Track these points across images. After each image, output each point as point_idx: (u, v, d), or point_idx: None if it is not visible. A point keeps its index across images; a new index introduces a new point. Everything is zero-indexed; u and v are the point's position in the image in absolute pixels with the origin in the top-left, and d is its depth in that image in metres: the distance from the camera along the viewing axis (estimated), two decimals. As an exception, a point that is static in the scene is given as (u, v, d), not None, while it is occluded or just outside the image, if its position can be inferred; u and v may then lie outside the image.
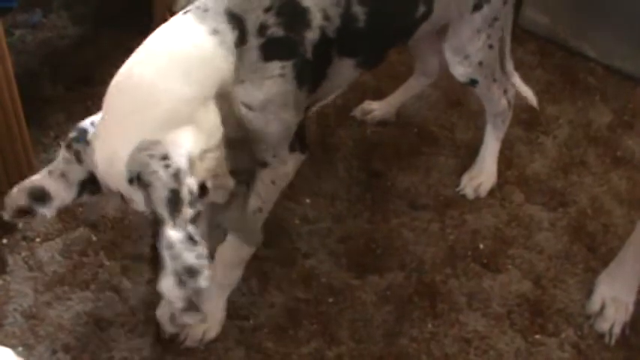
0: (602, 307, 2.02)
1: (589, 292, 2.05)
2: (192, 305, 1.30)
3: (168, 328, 1.75)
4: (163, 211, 1.28)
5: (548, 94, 2.54)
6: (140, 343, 1.83)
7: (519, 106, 2.44)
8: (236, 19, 1.47)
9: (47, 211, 1.48)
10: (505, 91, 2.16)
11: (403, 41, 1.90)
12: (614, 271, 2.03)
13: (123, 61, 2.35)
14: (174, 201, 1.28)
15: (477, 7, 1.90)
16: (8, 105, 1.84)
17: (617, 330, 2.00)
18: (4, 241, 1.97)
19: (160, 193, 1.28)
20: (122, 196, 1.38)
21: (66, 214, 2.04)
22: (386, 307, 1.97)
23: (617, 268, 2.02)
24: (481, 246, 2.13)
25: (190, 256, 1.27)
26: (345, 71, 1.71)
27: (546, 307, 2.03)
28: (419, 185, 2.23)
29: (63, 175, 1.45)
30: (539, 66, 2.62)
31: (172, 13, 2.48)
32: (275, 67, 1.52)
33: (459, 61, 2.00)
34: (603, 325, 2.00)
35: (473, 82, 2.06)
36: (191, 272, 1.27)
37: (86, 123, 1.43)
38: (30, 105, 1.97)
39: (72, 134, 1.43)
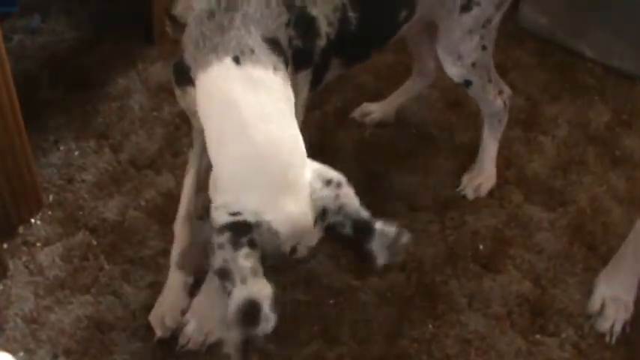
0: (602, 307, 2.02)
1: (589, 292, 2.05)
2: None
3: (159, 332, 1.77)
4: (363, 214, 1.46)
5: (547, 93, 2.54)
6: (141, 346, 1.83)
7: (518, 107, 2.45)
8: (275, 44, 1.47)
9: (267, 325, 1.35)
10: (500, 92, 2.16)
11: (387, 41, 1.91)
12: (613, 270, 2.04)
13: (122, 66, 2.39)
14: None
15: (465, 9, 1.90)
16: (7, 109, 1.84)
17: (617, 329, 2.00)
18: (5, 245, 1.98)
19: (355, 206, 1.45)
20: (292, 250, 1.41)
21: (66, 218, 2.04)
22: (386, 308, 1.97)
23: (617, 267, 2.03)
24: (481, 247, 2.13)
25: (392, 229, 1.49)
26: (335, 69, 1.74)
27: (546, 307, 2.04)
28: (418, 186, 2.24)
29: (255, 272, 1.35)
30: (538, 66, 2.62)
31: (171, 17, 2.51)
32: (301, 76, 1.57)
33: (452, 61, 2.00)
34: (604, 325, 2.01)
35: (467, 83, 2.06)
36: (399, 235, 1.50)
37: (221, 217, 1.35)
38: (29, 109, 1.97)
39: (224, 237, 1.34)
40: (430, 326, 1.96)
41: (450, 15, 1.91)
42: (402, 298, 2.00)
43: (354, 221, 1.43)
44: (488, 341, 1.96)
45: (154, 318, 1.85)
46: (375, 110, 2.37)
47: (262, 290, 1.34)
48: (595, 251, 2.16)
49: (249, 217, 1.34)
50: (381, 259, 1.45)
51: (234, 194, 1.36)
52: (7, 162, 1.91)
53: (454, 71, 2.02)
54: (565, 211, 2.24)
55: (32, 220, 2.03)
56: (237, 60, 1.41)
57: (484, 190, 2.24)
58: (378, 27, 1.79)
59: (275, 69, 1.43)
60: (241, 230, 1.34)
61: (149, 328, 1.85)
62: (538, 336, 1.99)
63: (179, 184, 2.13)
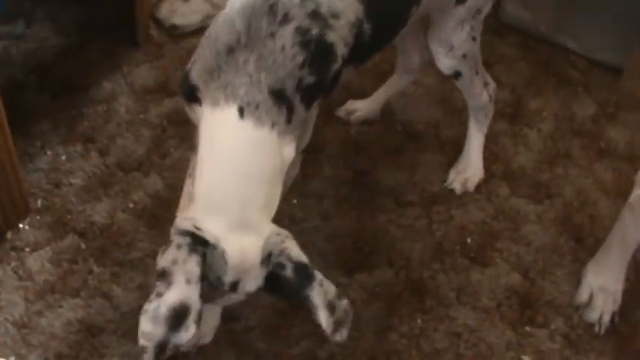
0: (591, 297, 2.03)
1: (577, 283, 2.07)
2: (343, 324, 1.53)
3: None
4: (304, 259, 1.50)
5: (532, 87, 2.55)
6: (132, 348, 1.83)
7: (503, 100, 2.46)
8: (280, 95, 1.52)
9: (185, 335, 1.41)
10: (486, 84, 2.17)
11: (393, 39, 1.92)
12: (600, 261, 2.05)
13: (107, 69, 2.39)
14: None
15: (460, 1, 1.92)
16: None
17: (606, 319, 2.01)
18: (-6, 251, 1.98)
19: (298, 252, 1.51)
20: (232, 286, 1.49)
21: (54, 222, 2.05)
22: (375, 304, 1.98)
23: (603, 257, 2.04)
24: (468, 240, 2.14)
25: (332, 286, 1.52)
26: (345, 74, 1.75)
27: (535, 298, 2.05)
28: (405, 182, 2.25)
29: (198, 280, 1.42)
30: (522, 60, 2.63)
31: (155, 20, 2.52)
32: (314, 107, 1.63)
33: (445, 52, 2.02)
34: (592, 315, 2.02)
35: (457, 75, 2.07)
36: (339, 296, 1.53)
37: (188, 226, 1.45)
38: (15, 115, 1.97)
39: (185, 239, 1.43)
40: (419, 321, 1.97)
41: (447, 7, 1.93)
42: (390, 294, 2.01)
43: (295, 264, 1.49)
44: (478, 334, 1.97)
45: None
46: (360, 108, 2.37)
47: (196, 301, 1.41)
48: (582, 243, 2.17)
49: (209, 238, 1.45)
50: (322, 320, 1.48)
51: (204, 213, 1.48)
52: (-8, 168, 1.91)
53: (446, 62, 2.04)
54: (552, 203, 2.26)
55: (20, 226, 2.03)
56: (241, 112, 1.50)
57: (472, 184, 2.26)
58: (392, 28, 1.81)
59: (273, 125, 1.51)
60: (200, 242, 1.44)
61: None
62: (527, 328, 2.00)
63: (167, 186, 2.15)
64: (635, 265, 2.08)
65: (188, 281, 1.41)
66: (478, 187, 2.26)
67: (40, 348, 1.83)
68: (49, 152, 2.19)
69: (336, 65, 1.60)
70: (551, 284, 2.08)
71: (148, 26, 2.47)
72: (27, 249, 2.00)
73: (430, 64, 2.15)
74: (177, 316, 1.40)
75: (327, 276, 1.97)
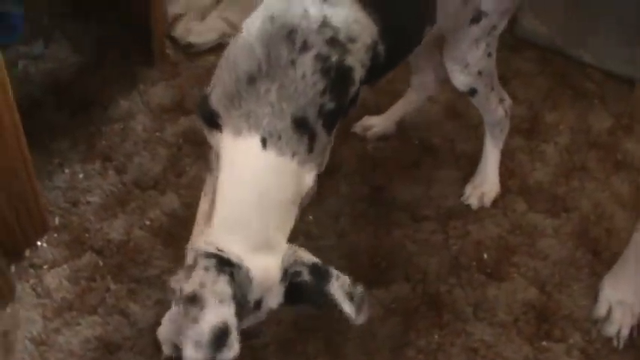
0: (609, 311, 2.02)
1: (595, 297, 2.06)
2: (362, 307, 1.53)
3: (167, 350, 1.78)
4: (317, 260, 1.55)
5: (548, 101, 2.55)
6: (149, 365, 1.85)
7: (519, 116, 2.46)
8: (302, 124, 1.53)
9: (230, 354, 1.42)
10: (502, 100, 2.17)
11: (410, 55, 1.93)
12: (617, 274, 2.04)
13: (124, 88, 2.42)
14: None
15: (475, 20, 1.92)
16: (11, 135, 1.86)
17: (624, 333, 2.00)
18: (12, 269, 1.99)
19: (308, 256, 1.55)
20: (256, 304, 1.51)
21: (72, 240, 2.06)
22: (392, 320, 1.98)
23: (621, 270, 2.03)
24: (485, 256, 2.14)
25: (346, 277, 1.54)
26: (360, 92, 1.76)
27: (552, 313, 2.04)
28: (421, 197, 2.25)
29: (231, 299, 1.44)
30: (538, 74, 2.63)
31: (171, 39, 2.55)
32: (334, 131, 1.63)
33: (460, 70, 2.02)
34: (610, 329, 2.01)
35: (472, 92, 2.07)
36: (355, 285, 1.54)
37: (210, 248, 1.47)
38: (34, 133, 1.99)
39: (210, 262, 1.45)
40: (436, 336, 1.97)
41: (461, 27, 1.93)
42: (407, 309, 2.01)
43: (310, 266, 1.52)
44: (495, 349, 1.96)
45: (161, 336, 1.86)
46: (376, 124, 2.38)
47: (233, 319, 1.43)
48: (599, 256, 2.16)
49: (233, 258, 1.47)
50: (347, 309, 1.50)
51: (225, 235, 1.50)
52: (11, 187, 1.93)
53: (461, 79, 2.04)
54: (569, 217, 2.25)
55: (38, 243, 2.05)
56: (264, 142, 1.51)
57: (488, 199, 2.25)
58: (406, 48, 1.82)
59: (294, 155, 1.53)
60: (226, 263, 1.46)
61: (157, 346, 1.86)
62: (545, 342, 1.99)
63: (183, 204, 2.16)
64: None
65: (222, 301, 1.42)
66: (494, 203, 2.26)
67: (58, 365, 1.85)
68: (67, 170, 2.21)
69: (354, 88, 1.60)
70: (569, 298, 2.08)
71: (163, 45, 2.49)
72: (45, 266, 2.02)
73: (445, 80, 2.15)
74: (220, 338, 1.41)
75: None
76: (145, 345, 1.88)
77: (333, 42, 1.54)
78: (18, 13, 2.38)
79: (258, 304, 1.50)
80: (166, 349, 1.85)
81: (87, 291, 1.98)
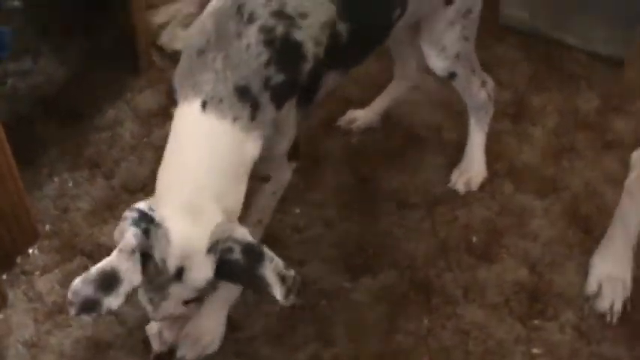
0: (600, 287, 2.01)
1: (587, 274, 2.04)
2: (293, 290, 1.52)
3: (155, 345, 1.80)
4: (250, 239, 1.52)
5: (534, 85, 2.55)
6: (140, 361, 1.87)
7: (505, 101, 2.46)
8: (245, 92, 1.56)
9: (114, 302, 1.47)
10: (484, 83, 2.18)
11: (381, 43, 1.94)
12: (605, 249, 2.04)
13: (111, 96, 2.45)
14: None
15: (448, 2, 1.94)
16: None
17: (617, 307, 1.99)
18: (4, 276, 2.02)
19: (244, 233, 1.52)
20: (177, 273, 1.52)
21: (63, 246, 2.09)
22: (380, 306, 1.99)
23: (608, 246, 2.03)
24: (474, 239, 2.14)
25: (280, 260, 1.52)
26: (331, 80, 1.79)
27: (544, 292, 2.04)
28: (407, 185, 2.26)
29: (134, 252, 1.48)
30: (523, 59, 2.63)
31: (157, 47, 2.58)
32: (285, 108, 1.64)
33: (436, 54, 2.03)
34: (603, 304, 2.00)
35: (452, 76, 2.09)
36: (287, 267, 1.52)
37: (143, 205, 1.52)
38: (24, 146, 2.04)
39: (133, 214, 1.50)
40: (426, 320, 1.97)
41: (435, 9, 1.94)
42: (395, 295, 2.01)
43: (243, 245, 1.50)
44: (486, 331, 1.96)
45: (151, 333, 1.88)
46: (360, 116, 2.39)
47: (131, 272, 1.46)
48: (591, 234, 2.15)
49: (157, 217, 1.50)
50: (277, 292, 1.49)
51: (160, 196, 1.54)
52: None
53: (439, 64, 2.05)
54: (558, 197, 2.25)
55: (30, 251, 2.08)
56: (204, 105, 1.55)
57: (475, 183, 2.26)
58: (373, 31, 1.83)
59: (235, 120, 1.56)
60: (146, 219, 1.49)
61: (146, 344, 1.87)
62: (537, 321, 1.98)
63: (170, 204, 2.18)
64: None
65: (121, 250, 1.47)
66: (482, 186, 2.26)
67: (50, 366, 1.87)
68: (56, 179, 2.24)
69: (308, 65, 1.62)
70: (560, 277, 2.07)
71: (149, 54, 2.53)
72: (36, 272, 2.04)
73: (428, 69, 2.16)
74: (104, 281, 1.46)
75: (331, 282, 2.02)
76: (135, 343, 1.90)
77: (279, 14, 1.58)
78: (6, 30, 2.42)
79: (180, 272, 1.50)
80: (155, 345, 1.88)
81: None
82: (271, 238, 2.04)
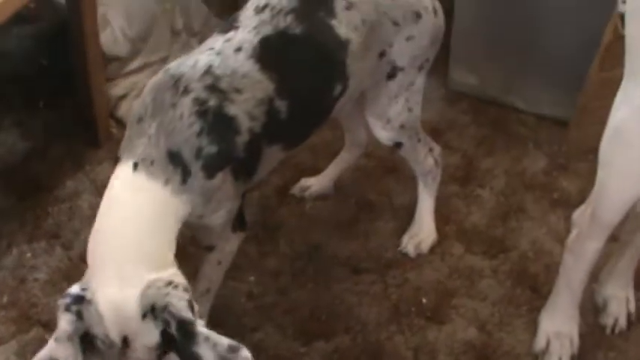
0: (548, 343, 2.06)
1: (535, 332, 2.09)
2: None
3: None
4: (185, 314, 1.48)
5: (482, 148, 2.63)
6: None
7: (454, 165, 2.54)
8: (176, 157, 1.61)
9: None
10: (431, 150, 2.25)
11: (325, 119, 2.00)
12: (552, 307, 2.08)
13: (71, 169, 2.50)
14: (192, 308, 1.50)
15: (390, 76, 2.00)
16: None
17: (565, 364, 2.04)
18: (-41, 352, 2.05)
19: (181, 306, 1.49)
20: (124, 341, 1.52)
21: (20, 317, 2.12)
22: (332, 371, 2.03)
23: (554, 302, 2.08)
24: (424, 300, 2.19)
25: (224, 339, 1.48)
26: (274, 155, 1.84)
27: (493, 350, 2.08)
28: (360, 251, 2.31)
29: (70, 338, 1.50)
30: (472, 123, 2.72)
31: (116, 119, 2.64)
32: (218, 178, 1.68)
33: (382, 125, 2.09)
34: (551, 361, 2.05)
35: (398, 145, 2.15)
36: (233, 348, 1.47)
37: (75, 289, 1.54)
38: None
39: (65, 300, 1.52)
40: (376, 384, 2.02)
41: (377, 84, 2.00)
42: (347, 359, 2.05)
43: (177, 321, 1.48)
44: (436, 392, 2.01)
45: None
46: (313, 184, 2.46)
47: (71, 357, 1.49)
48: (539, 292, 2.20)
49: (88, 294, 1.51)
50: None
51: (91, 268, 1.56)
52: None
53: (384, 134, 2.11)
54: (507, 257, 2.31)
55: (-15, 325, 2.11)
56: (135, 166, 1.60)
57: (425, 246, 2.31)
58: (313, 108, 1.88)
59: (167, 182, 1.60)
60: (77, 301, 1.51)
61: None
62: (486, 381, 2.03)
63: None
64: (592, 306, 2.14)
65: (57, 339, 1.50)
66: (432, 249, 2.31)
67: None
68: (14, 250, 2.28)
69: (242, 138, 1.68)
70: (509, 335, 2.12)
71: (108, 125, 2.59)
72: (-7, 344, 2.08)
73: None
74: None
75: (285, 347, 2.06)
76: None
77: (212, 88, 1.66)
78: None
79: (125, 341, 1.51)
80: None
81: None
82: (225, 306, 2.10)
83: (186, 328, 1.47)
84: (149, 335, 1.51)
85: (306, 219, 2.40)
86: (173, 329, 1.48)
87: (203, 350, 1.46)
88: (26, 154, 2.55)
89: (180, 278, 1.54)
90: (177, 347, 1.49)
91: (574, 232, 2.01)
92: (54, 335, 1.51)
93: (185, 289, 1.52)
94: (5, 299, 2.17)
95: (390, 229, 2.38)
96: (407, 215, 2.38)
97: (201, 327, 1.48)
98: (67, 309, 1.51)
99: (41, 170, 2.50)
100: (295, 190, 2.47)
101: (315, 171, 2.49)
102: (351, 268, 2.27)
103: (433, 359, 2.06)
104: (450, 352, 2.08)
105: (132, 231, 1.55)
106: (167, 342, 1.51)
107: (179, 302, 1.49)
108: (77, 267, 2.24)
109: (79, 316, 1.51)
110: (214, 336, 1.47)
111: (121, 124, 2.65)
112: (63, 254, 2.28)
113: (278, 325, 2.11)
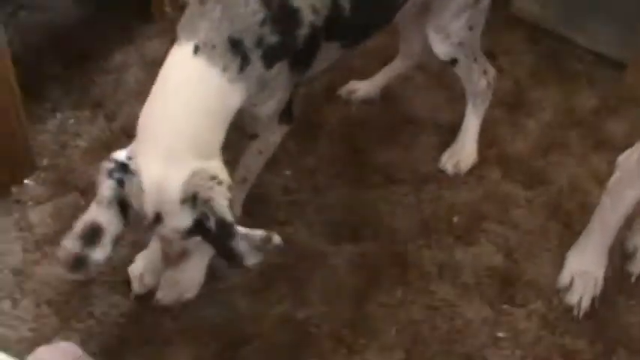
0: (572, 281, 2.07)
1: (561, 267, 2.10)
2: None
3: (136, 286, 1.86)
4: (227, 216, 1.51)
5: (535, 78, 2.60)
6: (119, 299, 1.93)
7: (504, 90, 2.50)
8: (237, 45, 1.59)
9: (101, 253, 1.55)
10: (485, 72, 2.22)
11: (386, 24, 1.98)
12: (582, 246, 2.08)
13: (120, 41, 2.49)
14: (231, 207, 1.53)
15: None
16: (2, 78, 1.95)
17: (585, 303, 2.04)
18: (-3, 204, 2.09)
19: (224, 205, 1.51)
20: (156, 218, 1.55)
21: (58, 181, 2.15)
22: (357, 273, 2.05)
23: (585, 242, 2.07)
24: (455, 219, 2.20)
25: (257, 232, 1.54)
26: (331, 52, 1.83)
27: (516, 279, 2.09)
28: (398, 162, 2.31)
29: (110, 203, 1.54)
30: (528, 52, 2.68)
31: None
32: (275, 69, 1.66)
33: (441, 39, 2.07)
34: (572, 298, 2.05)
35: (453, 61, 2.13)
36: (266, 239, 1.54)
37: (120, 155, 1.56)
38: (30, 80, 2.10)
39: (110, 165, 1.56)
40: (399, 293, 2.03)
41: None
42: (373, 265, 2.07)
43: (217, 219, 1.51)
44: (455, 309, 2.02)
45: (133, 274, 1.94)
46: (360, 88, 2.44)
47: (111, 223, 1.54)
48: (571, 229, 2.20)
49: (132, 165, 1.54)
50: (249, 258, 1.54)
51: (140, 142, 1.58)
52: (0, 127, 2.02)
53: (441, 49, 2.09)
54: (544, 189, 2.30)
55: (25, 182, 2.14)
56: (196, 49, 1.57)
57: (464, 166, 2.31)
58: (377, 8, 1.86)
59: (224, 69, 1.58)
60: (121, 169, 1.55)
61: (128, 284, 1.94)
62: (506, 306, 2.04)
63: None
64: (620, 250, 2.13)
65: (99, 203, 1.54)
66: (470, 171, 2.31)
67: (33, 294, 1.93)
68: (58, 115, 2.30)
69: (304, 31, 1.66)
70: (534, 266, 2.12)
71: (162, 3, 2.56)
72: (30, 203, 2.10)
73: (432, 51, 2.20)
74: (88, 235, 1.54)
75: (312, 244, 2.08)
76: (118, 280, 1.95)
77: None
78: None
79: (158, 217, 1.54)
80: (136, 287, 1.94)
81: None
82: (259, 196, 2.11)
83: (225, 227, 1.51)
84: (182, 220, 1.54)
85: (350, 122, 2.39)
86: (212, 224, 1.51)
87: (238, 246, 1.51)
88: (77, 20, 2.54)
89: (224, 174, 1.56)
90: (212, 239, 1.54)
91: (616, 175, 2.00)
92: (95, 200, 1.54)
93: (229, 187, 1.54)
94: (45, 162, 2.19)
95: (431, 144, 2.37)
96: (450, 133, 2.36)
97: (241, 228, 1.52)
98: (110, 175, 1.55)
99: (90, 39, 2.50)
100: (342, 91, 2.45)
101: (364, 75, 2.47)
102: (387, 177, 2.27)
103: (456, 278, 2.08)
104: (474, 274, 2.09)
105: (186, 115, 1.56)
106: (198, 230, 1.55)
107: (222, 201, 1.51)
108: (118, 139, 2.25)
109: (120, 184, 1.54)
110: (250, 233, 1.52)
111: (175, 3, 2.63)
112: (105, 125, 2.29)
113: (308, 223, 2.13)
